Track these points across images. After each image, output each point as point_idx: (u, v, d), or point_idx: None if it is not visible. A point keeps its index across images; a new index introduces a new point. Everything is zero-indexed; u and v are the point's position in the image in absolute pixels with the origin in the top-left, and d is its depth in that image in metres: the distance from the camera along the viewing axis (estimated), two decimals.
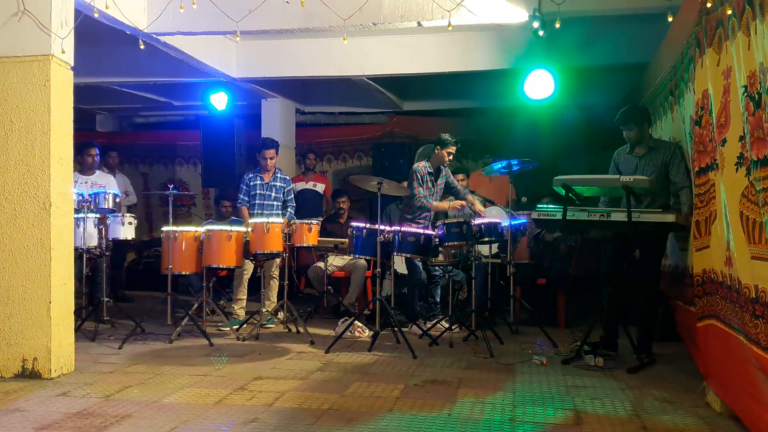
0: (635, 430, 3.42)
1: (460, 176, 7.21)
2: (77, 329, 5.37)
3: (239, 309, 6.56)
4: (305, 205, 8.55)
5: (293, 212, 6.78)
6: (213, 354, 5.24)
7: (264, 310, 6.28)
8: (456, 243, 5.69)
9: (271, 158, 6.64)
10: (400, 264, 6.45)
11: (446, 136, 6.29)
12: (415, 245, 5.62)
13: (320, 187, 8.85)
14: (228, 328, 6.10)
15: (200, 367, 4.80)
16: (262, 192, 6.63)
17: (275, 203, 6.67)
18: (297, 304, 6.58)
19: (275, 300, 6.52)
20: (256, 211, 6.58)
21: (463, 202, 6.26)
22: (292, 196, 6.88)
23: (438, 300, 6.64)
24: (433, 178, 6.36)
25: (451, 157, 6.33)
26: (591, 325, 5.00)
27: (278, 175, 6.74)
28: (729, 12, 3.27)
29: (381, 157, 9.41)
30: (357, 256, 5.99)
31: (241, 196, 6.69)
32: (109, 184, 6.84)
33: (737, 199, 3.20)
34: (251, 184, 6.66)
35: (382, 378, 4.48)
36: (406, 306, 6.53)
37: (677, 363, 4.88)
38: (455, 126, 9.53)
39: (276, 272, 6.48)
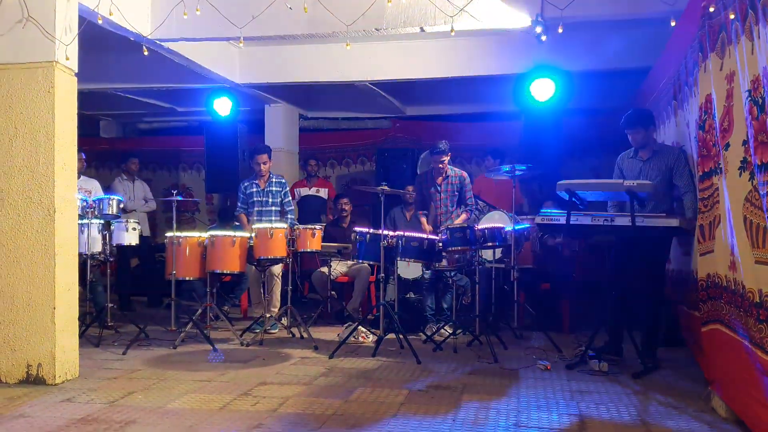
0: None
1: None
2: (81, 335, 5.38)
3: (273, 309, 6.57)
4: (309, 210, 8.56)
5: (294, 218, 6.79)
6: (217, 359, 5.24)
7: (268, 315, 6.29)
8: (459, 248, 5.68)
9: (263, 163, 6.64)
10: (403, 269, 6.46)
11: (434, 145, 6.38)
12: (419, 250, 5.63)
13: (323, 192, 8.85)
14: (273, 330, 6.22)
15: (204, 372, 4.80)
16: (259, 199, 6.66)
17: (273, 208, 6.69)
18: (301, 309, 6.58)
19: (279, 302, 6.54)
20: (254, 218, 6.61)
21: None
22: (290, 199, 6.88)
23: (445, 306, 6.63)
24: (428, 186, 6.49)
25: (440, 165, 6.37)
26: (595, 330, 4.99)
27: (273, 180, 6.74)
28: (732, 16, 3.27)
29: (384, 162, 9.42)
30: (360, 261, 5.99)
31: (239, 204, 6.78)
32: (95, 189, 6.90)
33: (741, 204, 3.20)
34: (248, 192, 6.71)
35: (386, 383, 4.48)
36: (411, 311, 6.53)
37: (682, 368, 4.87)
38: (458, 131, 9.53)
39: (278, 270, 6.50)
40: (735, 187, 3.32)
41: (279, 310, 6.47)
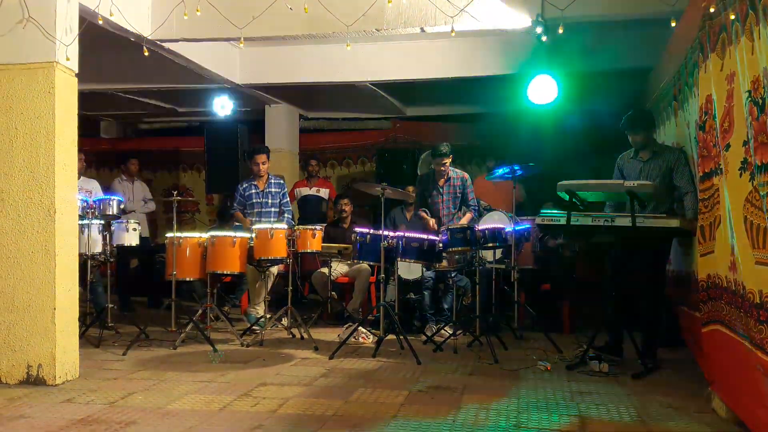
0: None
1: None
2: (81, 336, 5.38)
3: (258, 307, 6.60)
4: (310, 210, 8.56)
5: (290, 217, 6.83)
6: (217, 360, 5.24)
7: (267, 316, 6.29)
8: (460, 248, 5.68)
9: (262, 163, 6.71)
10: (404, 270, 6.46)
11: (435, 148, 6.37)
12: (419, 251, 5.62)
13: (324, 192, 8.85)
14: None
15: (204, 373, 4.79)
16: (258, 200, 6.69)
17: (273, 209, 6.73)
18: (301, 310, 6.58)
19: (268, 289, 6.58)
20: (254, 219, 6.62)
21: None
22: (288, 200, 6.94)
23: (446, 307, 6.63)
24: (430, 188, 6.47)
25: (442, 168, 6.37)
26: (595, 330, 4.99)
27: (272, 181, 6.79)
28: (732, 17, 3.27)
29: (384, 162, 9.44)
30: (360, 261, 5.99)
31: (235, 204, 6.86)
32: (95, 190, 6.91)
33: (741, 204, 3.20)
34: (246, 194, 6.75)
35: (387, 384, 4.48)
36: (413, 312, 6.53)
37: (682, 368, 4.86)
38: (458, 131, 9.54)
39: (275, 268, 6.54)
40: (735, 188, 3.31)
41: (279, 311, 6.46)
